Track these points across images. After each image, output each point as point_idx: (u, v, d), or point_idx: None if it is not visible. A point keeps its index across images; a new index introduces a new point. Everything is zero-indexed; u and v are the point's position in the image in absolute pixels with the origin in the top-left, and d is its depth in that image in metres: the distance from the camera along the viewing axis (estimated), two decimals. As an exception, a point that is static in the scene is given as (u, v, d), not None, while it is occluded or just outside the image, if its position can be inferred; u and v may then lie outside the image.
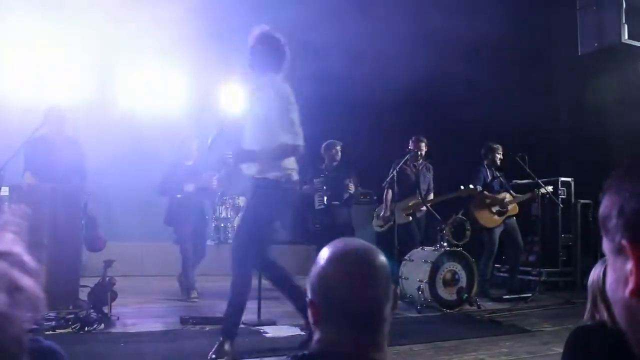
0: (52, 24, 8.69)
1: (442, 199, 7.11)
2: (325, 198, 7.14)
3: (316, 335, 1.36)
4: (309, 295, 1.36)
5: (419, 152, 7.18)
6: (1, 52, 9.08)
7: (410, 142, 7.24)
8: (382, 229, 7.24)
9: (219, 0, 8.54)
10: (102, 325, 4.75)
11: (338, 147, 7.28)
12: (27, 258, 0.44)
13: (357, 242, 1.39)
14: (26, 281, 0.42)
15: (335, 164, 7.27)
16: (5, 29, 8.80)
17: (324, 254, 1.36)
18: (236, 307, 4.09)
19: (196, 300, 6.26)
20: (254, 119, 4.19)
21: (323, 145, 7.33)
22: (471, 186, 6.87)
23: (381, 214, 7.28)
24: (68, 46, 9.15)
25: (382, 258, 1.35)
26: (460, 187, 6.86)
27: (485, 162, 7.37)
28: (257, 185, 4.18)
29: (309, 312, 1.36)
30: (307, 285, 1.37)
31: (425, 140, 7.26)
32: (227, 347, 3.98)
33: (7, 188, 4.95)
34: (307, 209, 7.49)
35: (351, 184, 7.14)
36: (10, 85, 9.65)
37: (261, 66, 4.22)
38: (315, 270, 1.36)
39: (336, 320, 1.32)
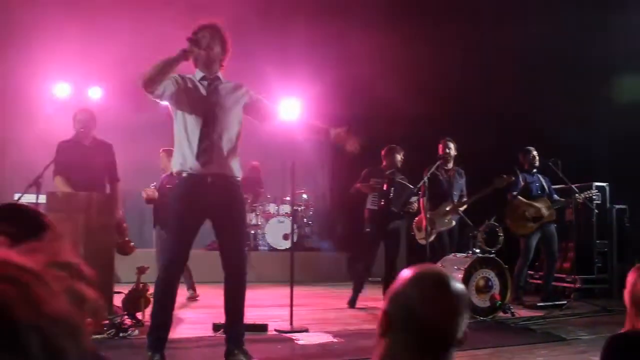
0: (88, 22, 8.84)
1: (479, 196, 6.92)
2: (383, 201, 6.87)
3: (379, 349, 1.37)
4: (385, 305, 1.39)
5: (448, 155, 7.08)
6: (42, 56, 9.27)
7: (439, 146, 7.16)
8: (430, 239, 6.71)
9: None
10: (137, 332, 4.81)
11: (402, 154, 7.09)
12: (85, 268, 0.44)
13: (439, 268, 1.48)
14: (88, 291, 0.42)
15: (392, 170, 7.02)
16: (45, 30, 8.97)
17: (408, 272, 1.39)
18: None
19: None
20: (236, 115, 4.12)
21: (386, 148, 7.12)
22: (504, 176, 6.77)
23: (423, 225, 6.86)
24: (106, 45, 9.29)
25: (462, 287, 1.39)
26: (494, 179, 6.76)
27: (525, 167, 7.28)
28: (231, 186, 4.09)
29: (380, 322, 1.37)
30: (387, 296, 1.40)
31: (453, 142, 7.15)
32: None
33: (44, 196, 5.03)
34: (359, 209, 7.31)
35: (416, 204, 6.95)
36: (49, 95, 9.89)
37: (221, 63, 4.15)
38: (397, 283, 1.39)
39: (406, 337, 1.33)
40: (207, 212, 4.03)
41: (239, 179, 4.13)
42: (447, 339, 1.32)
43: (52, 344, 0.37)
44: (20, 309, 0.36)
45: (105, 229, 5.10)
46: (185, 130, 3.97)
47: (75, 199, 5.05)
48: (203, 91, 4.04)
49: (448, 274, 1.39)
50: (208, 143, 3.94)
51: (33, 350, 0.36)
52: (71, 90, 10.20)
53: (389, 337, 1.35)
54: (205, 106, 4.00)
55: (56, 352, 0.37)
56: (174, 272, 3.96)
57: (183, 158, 3.97)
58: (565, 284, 7.83)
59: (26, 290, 0.37)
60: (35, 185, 4.96)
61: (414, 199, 6.87)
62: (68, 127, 5.81)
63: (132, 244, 5.74)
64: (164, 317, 3.96)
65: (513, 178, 6.93)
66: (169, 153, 7.14)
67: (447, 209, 6.93)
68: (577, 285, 7.47)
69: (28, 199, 5.38)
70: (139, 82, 3.82)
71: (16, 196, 6.11)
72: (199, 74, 4.09)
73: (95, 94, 10.39)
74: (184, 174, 3.97)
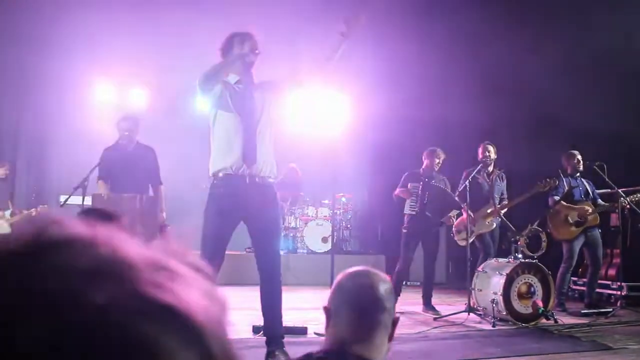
0: (132, 24, 8.94)
1: (521, 199, 6.83)
2: (418, 205, 6.78)
3: (326, 339, 1.73)
4: (325, 303, 1.75)
5: (489, 158, 7.00)
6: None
7: (479, 150, 7.10)
8: (470, 240, 6.67)
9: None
10: (178, 332, 4.86)
11: (442, 157, 6.98)
12: (205, 266, 0.47)
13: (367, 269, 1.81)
14: (217, 291, 0.44)
15: (431, 173, 6.94)
16: (88, 32, 9.14)
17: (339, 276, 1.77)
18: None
19: None
20: (271, 115, 4.22)
21: (426, 151, 7.04)
22: (548, 179, 6.66)
23: (462, 227, 6.83)
24: (149, 47, 9.39)
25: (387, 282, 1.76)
26: (537, 183, 6.67)
27: (568, 171, 7.14)
28: (269, 187, 4.17)
29: (325, 312, 1.74)
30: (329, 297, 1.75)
31: (493, 145, 7.08)
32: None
33: (89, 197, 5.14)
34: (398, 213, 7.27)
35: (453, 219, 6.86)
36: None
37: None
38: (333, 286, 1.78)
39: (341, 317, 1.68)
40: (243, 212, 4.08)
41: (274, 180, 4.19)
42: (374, 305, 1.68)
43: (224, 345, 0.40)
44: (199, 313, 0.38)
45: (148, 230, 5.18)
46: (227, 131, 4.05)
47: (119, 200, 5.14)
48: (242, 94, 4.11)
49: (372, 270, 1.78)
50: (252, 144, 4.03)
51: (217, 353, 0.38)
52: (113, 92, 10.40)
53: (332, 324, 1.70)
54: (246, 108, 4.09)
55: (228, 352, 0.40)
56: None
57: (223, 158, 4.04)
58: (611, 291, 7.63)
59: (192, 292, 0.40)
60: (82, 187, 5.07)
61: (453, 212, 6.78)
62: (110, 129, 5.93)
63: None
64: None
65: (557, 182, 6.81)
66: None
67: (489, 211, 6.85)
68: (624, 293, 7.26)
69: (74, 200, 5.52)
70: (200, 79, 3.95)
71: (62, 198, 6.26)
72: (233, 78, 4.18)
73: (138, 96, 10.57)
74: (222, 174, 4.04)
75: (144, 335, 0.35)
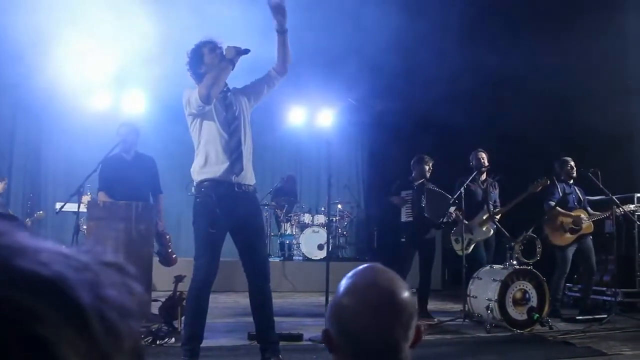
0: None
1: (515, 202, 6.85)
2: (415, 210, 6.82)
3: None
4: (326, 323, 1.29)
5: (483, 165, 7.03)
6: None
7: (471, 157, 7.13)
8: (467, 251, 6.75)
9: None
10: (173, 339, 4.86)
11: (430, 164, 7.03)
12: (131, 268, 0.49)
13: (381, 273, 1.28)
14: (136, 286, 0.46)
15: (422, 179, 6.98)
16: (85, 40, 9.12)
17: (344, 282, 1.27)
18: None
19: None
20: (249, 121, 4.23)
21: (414, 159, 7.12)
22: (540, 179, 6.70)
23: (462, 236, 6.77)
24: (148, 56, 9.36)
25: (407, 294, 1.25)
26: (530, 185, 6.71)
27: (562, 177, 7.16)
28: (254, 195, 4.22)
29: (324, 340, 1.29)
30: (326, 313, 1.31)
31: (485, 152, 7.12)
32: None
33: (85, 204, 5.14)
34: (393, 221, 7.28)
35: (454, 214, 6.87)
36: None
37: None
38: (333, 299, 1.29)
39: (350, 354, 1.24)
40: (232, 220, 4.06)
41: (254, 187, 4.22)
42: (392, 352, 1.22)
43: (111, 326, 0.41)
44: (83, 293, 0.40)
45: (144, 238, 5.19)
46: (213, 141, 4.05)
47: (115, 207, 5.15)
48: (223, 103, 4.13)
49: (387, 278, 1.26)
50: (238, 153, 4.05)
51: (97, 332, 0.40)
52: (111, 101, 10.37)
53: (336, 355, 1.27)
54: (229, 117, 4.10)
55: (115, 334, 0.41)
56: (207, 280, 4.01)
57: (211, 168, 4.03)
58: (605, 298, 7.65)
59: (86, 277, 0.41)
60: (77, 195, 5.07)
61: (451, 209, 6.81)
62: (108, 138, 5.93)
63: (174, 255, 5.84)
64: (197, 326, 4.01)
65: (548, 181, 6.82)
66: None
67: (484, 218, 6.87)
68: (618, 299, 7.27)
69: (69, 207, 5.52)
70: (201, 96, 3.91)
71: (58, 205, 6.25)
72: None
73: (136, 105, 10.53)
74: (209, 183, 4.03)
75: (18, 307, 0.37)
